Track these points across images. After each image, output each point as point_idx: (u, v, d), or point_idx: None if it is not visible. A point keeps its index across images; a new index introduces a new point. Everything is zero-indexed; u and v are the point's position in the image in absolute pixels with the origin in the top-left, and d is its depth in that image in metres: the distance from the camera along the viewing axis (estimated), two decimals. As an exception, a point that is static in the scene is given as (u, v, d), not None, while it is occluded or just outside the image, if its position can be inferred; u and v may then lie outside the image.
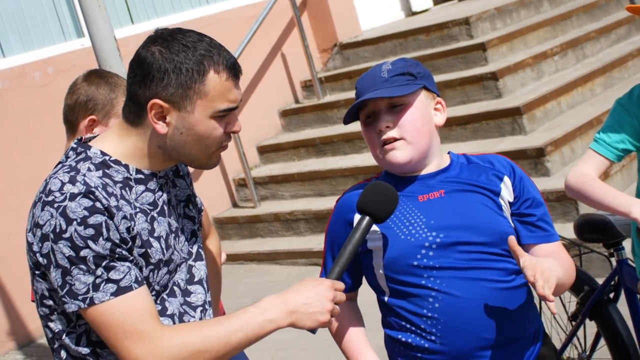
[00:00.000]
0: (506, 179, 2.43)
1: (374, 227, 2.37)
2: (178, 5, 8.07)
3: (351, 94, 8.00)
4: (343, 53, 8.53)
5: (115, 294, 2.01)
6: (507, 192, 2.42)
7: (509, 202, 2.42)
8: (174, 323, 2.17)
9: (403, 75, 2.40)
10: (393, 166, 2.41)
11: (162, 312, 2.17)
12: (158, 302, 2.17)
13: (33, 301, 2.88)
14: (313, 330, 2.17)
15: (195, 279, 2.28)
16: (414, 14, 9.34)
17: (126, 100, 2.15)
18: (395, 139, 2.38)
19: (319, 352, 5.27)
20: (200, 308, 2.26)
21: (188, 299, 2.24)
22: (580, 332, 3.54)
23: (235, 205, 7.97)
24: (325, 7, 8.55)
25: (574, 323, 3.51)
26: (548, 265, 2.22)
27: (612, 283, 3.38)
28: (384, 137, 2.38)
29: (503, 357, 2.35)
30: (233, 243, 7.51)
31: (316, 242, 6.88)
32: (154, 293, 2.15)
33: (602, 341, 3.51)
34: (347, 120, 2.47)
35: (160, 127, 2.10)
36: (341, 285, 2.19)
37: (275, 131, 8.30)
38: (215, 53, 2.09)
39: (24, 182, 6.53)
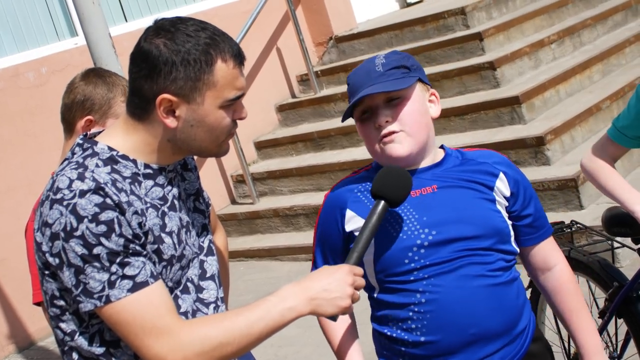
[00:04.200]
0: (502, 175, 2.40)
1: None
2: (171, 1, 8.04)
3: (348, 87, 7.96)
4: (339, 46, 8.49)
5: (132, 290, 1.97)
6: (502, 186, 2.40)
7: (505, 197, 2.40)
8: None
9: (398, 69, 2.36)
10: (393, 160, 2.36)
11: (176, 310, 2.12)
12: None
13: (35, 304, 2.86)
14: (334, 317, 2.14)
15: (208, 275, 2.23)
16: (409, 5, 9.29)
17: (130, 96, 2.10)
18: (395, 132, 2.34)
19: (322, 347, 5.23)
20: (213, 305, 2.21)
21: (201, 296, 2.19)
22: (612, 331, 3.45)
23: (233, 201, 7.94)
24: (319, 1, 8.51)
25: (601, 321, 3.41)
26: None
27: None
28: (384, 131, 2.34)
29: (489, 353, 2.33)
30: (232, 240, 7.47)
31: (316, 237, 6.83)
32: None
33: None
34: (345, 118, 2.44)
35: (170, 122, 2.05)
36: (360, 270, 2.16)
37: (272, 126, 8.26)
38: (220, 41, 2.05)
39: (20, 182, 6.49)
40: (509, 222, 2.40)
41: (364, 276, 2.39)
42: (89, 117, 2.80)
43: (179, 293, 2.14)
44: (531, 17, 7.94)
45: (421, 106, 2.38)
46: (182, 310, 2.14)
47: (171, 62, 2.01)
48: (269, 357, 5.24)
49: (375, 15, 9.09)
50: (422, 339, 2.32)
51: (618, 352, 3.42)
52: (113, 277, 1.96)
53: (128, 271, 1.97)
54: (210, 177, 7.59)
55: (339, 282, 2.09)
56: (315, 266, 2.53)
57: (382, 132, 2.34)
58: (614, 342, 3.45)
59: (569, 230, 3.63)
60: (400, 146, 2.34)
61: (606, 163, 2.99)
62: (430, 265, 2.30)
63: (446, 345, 2.31)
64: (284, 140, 7.93)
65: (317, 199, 7.14)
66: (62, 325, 2.10)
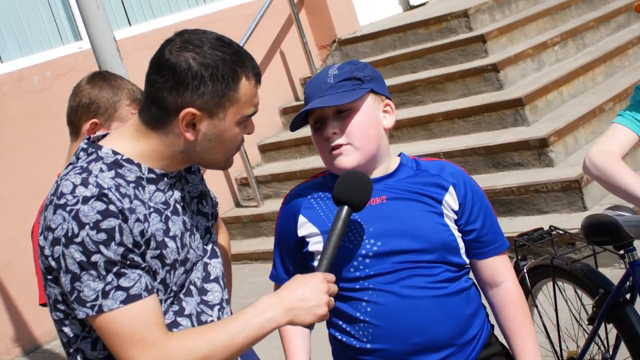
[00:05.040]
0: (451, 188, 2.42)
1: (315, 230, 2.41)
2: (175, 5, 8.05)
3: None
4: (342, 49, 8.50)
5: (125, 302, 1.98)
6: (451, 200, 2.41)
7: (454, 211, 2.41)
8: (192, 322, 2.15)
9: (349, 80, 2.38)
10: (341, 172, 2.39)
11: (180, 313, 2.14)
12: (175, 302, 2.14)
13: (41, 304, 2.87)
14: (311, 326, 2.16)
15: (212, 277, 2.25)
16: (412, 7, 9.30)
17: (147, 104, 2.09)
18: (342, 145, 2.37)
19: (325, 350, 5.24)
20: (218, 306, 2.23)
21: (205, 298, 2.21)
22: (603, 334, 3.43)
23: (238, 204, 7.95)
24: (323, 4, 8.53)
25: (591, 327, 3.41)
26: None
27: (628, 284, 3.27)
28: (332, 143, 2.38)
29: None
30: (237, 243, 7.48)
31: (321, 239, 6.84)
32: (171, 294, 2.12)
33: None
34: (294, 127, 2.45)
35: (190, 135, 2.07)
36: (332, 277, 2.18)
37: (276, 129, 8.27)
38: (244, 58, 2.08)
39: (25, 187, 6.51)
40: (458, 235, 2.42)
41: None
42: (95, 120, 2.82)
43: (182, 296, 2.16)
44: (534, 19, 7.95)
45: (371, 118, 2.39)
46: (186, 312, 2.16)
47: (200, 76, 2.02)
48: (274, 358, 5.24)
49: (378, 18, 9.11)
50: (369, 346, 2.37)
51: (610, 354, 3.42)
52: (108, 287, 1.98)
53: (123, 282, 1.99)
54: (214, 180, 7.59)
55: (315, 290, 2.11)
56: (274, 268, 2.59)
57: (330, 144, 2.38)
58: (605, 345, 3.44)
59: (548, 237, 3.61)
60: (347, 159, 2.37)
61: (616, 158, 2.89)
62: (375, 275, 2.35)
63: (392, 353, 2.36)
64: (288, 143, 7.94)
65: (321, 201, 7.14)
66: (65, 329, 2.12)
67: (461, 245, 2.42)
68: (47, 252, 2.02)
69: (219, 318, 2.21)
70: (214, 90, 2.03)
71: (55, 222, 1.99)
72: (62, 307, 2.10)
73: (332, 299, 2.15)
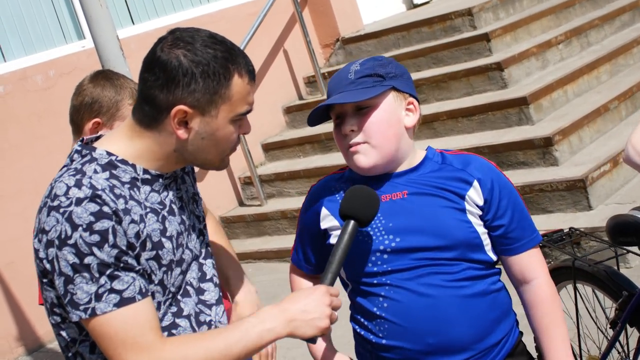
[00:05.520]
0: (476, 183, 2.35)
1: (337, 223, 2.39)
2: (178, 4, 8.04)
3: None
4: (345, 48, 8.48)
5: (118, 305, 1.97)
6: (475, 195, 2.35)
7: (478, 206, 2.35)
8: (191, 323, 2.14)
9: (370, 77, 2.33)
10: (358, 170, 2.37)
11: (179, 314, 2.13)
12: (173, 303, 2.12)
13: (41, 304, 2.86)
14: (313, 339, 2.13)
15: (207, 277, 2.24)
16: (416, 6, 9.29)
17: (140, 103, 2.08)
18: (359, 144, 2.33)
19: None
20: (215, 306, 2.22)
21: (202, 298, 2.20)
22: (622, 337, 3.38)
23: (241, 203, 7.93)
24: (326, 2, 8.51)
25: (612, 331, 3.34)
26: None
27: None
28: (349, 141, 2.34)
29: None
30: (241, 242, 7.47)
31: (324, 238, 6.82)
32: (169, 295, 2.11)
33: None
34: (313, 122, 2.42)
35: (182, 133, 2.05)
36: (336, 290, 2.16)
37: (279, 128, 8.26)
38: (237, 55, 2.06)
39: (28, 186, 6.50)
40: (483, 231, 2.36)
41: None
42: (97, 119, 2.81)
43: (179, 297, 2.15)
44: (538, 18, 7.93)
45: (391, 116, 2.34)
46: (185, 313, 2.14)
47: (191, 73, 2.00)
48: (278, 359, 5.23)
49: (381, 16, 9.09)
50: (384, 342, 2.35)
51: (630, 358, 3.38)
52: (101, 290, 1.96)
53: (116, 285, 1.97)
54: (218, 179, 7.59)
55: (317, 302, 2.10)
56: (296, 253, 2.58)
57: (348, 142, 2.35)
58: (626, 349, 3.39)
59: (569, 238, 3.56)
60: (364, 158, 2.33)
61: None
62: (392, 271, 2.32)
63: (406, 351, 2.33)
64: (292, 142, 7.93)
65: (324, 200, 7.12)
66: (63, 333, 2.10)
67: (486, 241, 2.37)
68: (41, 254, 2.01)
69: (216, 317, 2.21)
70: (205, 87, 2.01)
71: (49, 225, 1.97)
72: (58, 311, 2.08)
73: (335, 312, 2.13)
